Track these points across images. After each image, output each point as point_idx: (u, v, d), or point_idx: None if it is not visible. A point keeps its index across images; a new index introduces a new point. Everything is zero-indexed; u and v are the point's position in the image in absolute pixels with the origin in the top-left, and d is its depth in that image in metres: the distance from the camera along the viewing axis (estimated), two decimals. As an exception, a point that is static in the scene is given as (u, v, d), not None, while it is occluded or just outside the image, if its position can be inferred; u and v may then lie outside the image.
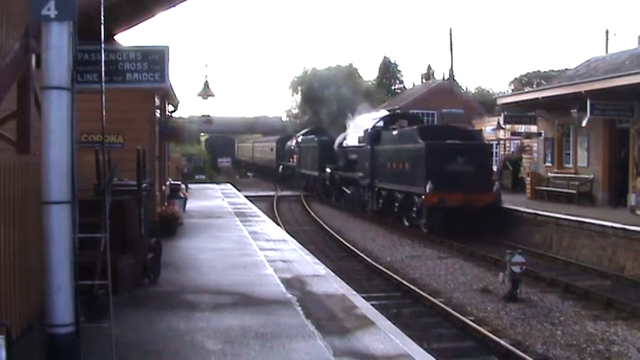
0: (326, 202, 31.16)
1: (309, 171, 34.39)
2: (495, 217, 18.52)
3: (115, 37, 9.38)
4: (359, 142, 26.17)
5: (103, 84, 5.86)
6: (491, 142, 26.26)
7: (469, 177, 18.44)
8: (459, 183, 18.15)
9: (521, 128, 25.27)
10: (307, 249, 13.15)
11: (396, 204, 21.34)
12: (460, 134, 21.04)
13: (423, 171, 18.84)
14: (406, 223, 20.87)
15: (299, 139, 37.99)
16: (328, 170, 29.69)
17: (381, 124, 25.47)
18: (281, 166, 44.46)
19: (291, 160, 41.12)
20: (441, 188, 18.05)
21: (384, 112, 30.10)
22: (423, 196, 18.56)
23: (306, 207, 28.88)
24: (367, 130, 25.04)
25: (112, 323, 5.35)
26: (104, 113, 5.43)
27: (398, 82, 62.30)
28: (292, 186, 39.58)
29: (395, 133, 22.82)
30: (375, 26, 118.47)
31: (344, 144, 28.95)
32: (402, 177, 20.83)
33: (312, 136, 35.42)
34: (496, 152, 28.53)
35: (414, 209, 19.73)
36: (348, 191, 27.33)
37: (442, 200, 17.92)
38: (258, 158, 58.22)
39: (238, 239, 13.86)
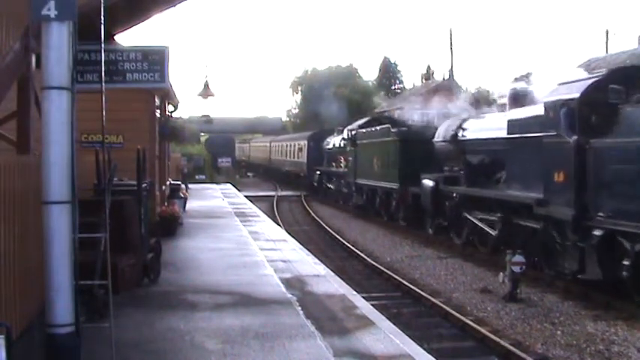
0: (326, 201, 30.83)
1: (375, 182, 22.46)
2: None
3: (115, 37, 9.38)
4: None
5: (103, 84, 5.85)
6: None
7: None
8: None
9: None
10: (307, 249, 13.16)
11: None
12: None
13: None
14: None
15: (353, 133, 25.64)
16: (428, 183, 17.41)
17: None
18: (317, 174, 33.39)
19: (334, 164, 30.45)
20: None
21: None
22: None
23: (306, 207, 28.87)
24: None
25: (112, 323, 5.35)
26: (104, 113, 5.42)
27: (398, 82, 62.28)
28: (337, 203, 29.23)
29: None
30: (375, 26, 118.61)
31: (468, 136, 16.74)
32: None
33: (385, 126, 22.59)
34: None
35: None
36: (493, 231, 14.13)
37: None
38: (278, 162, 46.10)
39: (238, 239, 13.86)
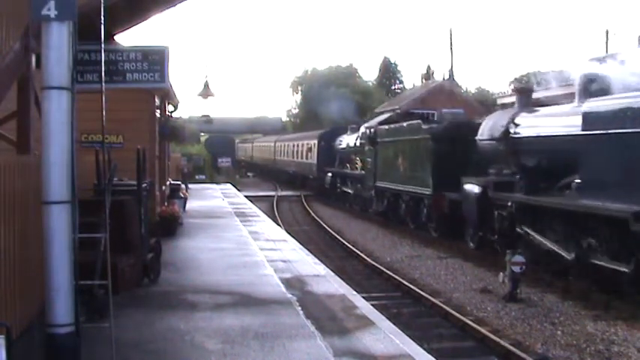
0: (325, 201, 30.71)
1: (400, 186, 19.71)
2: None
3: (115, 37, 9.38)
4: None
5: (103, 84, 5.85)
6: None
7: None
8: None
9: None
10: (307, 249, 13.15)
11: None
12: None
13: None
14: None
15: (372, 131, 22.83)
16: (473, 189, 14.60)
17: None
18: (329, 176, 30.18)
19: (348, 165, 27.80)
20: None
21: None
22: None
23: (306, 207, 28.86)
24: None
25: (112, 323, 5.35)
26: (104, 113, 5.43)
27: (398, 82, 62.31)
28: (351, 208, 26.94)
29: None
30: (375, 26, 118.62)
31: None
32: None
33: (414, 122, 19.49)
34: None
35: None
36: (567, 254, 11.31)
37: None
38: (283, 163, 43.25)
39: (238, 239, 13.86)
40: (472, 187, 14.67)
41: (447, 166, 16.40)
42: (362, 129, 25.34)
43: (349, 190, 27.13)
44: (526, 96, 15.47)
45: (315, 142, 33.62)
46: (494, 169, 14.67)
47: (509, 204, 13.13)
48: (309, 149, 34.66)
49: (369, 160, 23.21)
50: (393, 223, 21.10)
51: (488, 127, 15.63)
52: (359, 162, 25.57)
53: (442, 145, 17.14)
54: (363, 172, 24.49)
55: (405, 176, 19.41)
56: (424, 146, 18.00)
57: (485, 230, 14.61)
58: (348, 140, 28.55)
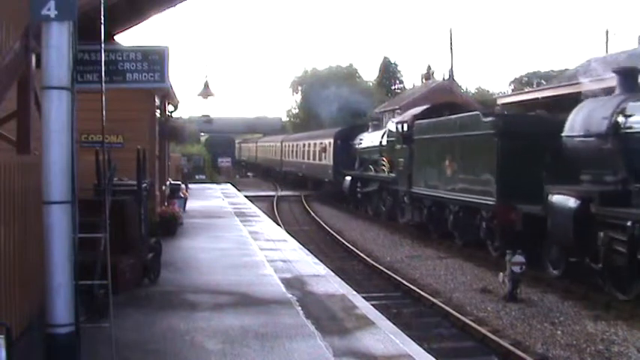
0: (326, 201, 30.67)
1: (448, 193, 16.29)
2: None
3: (115, 37, 9.39)
4: None
5: (103, 84, 5.86)
6: None
7: None
8: None
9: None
10: (307, 249, 13.15)
11: None
12: None
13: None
14: None
15: (407, 126, 19.55)
16: (566, 201, 11.17)
17: None
18: (348, 179, 26.53)
19: (371, 167, 24.22)
20: None
21: None
22: None
23: (306, 207, 28.84)
24: None
25: (112, 323, 5.35)
26: (104, 113, 5.43)
27: (398, 82, 62.32)
28: (375, 216, 23.48)
29: None
30: (375, 26, 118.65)
31: None
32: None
33: (472, 114, 16.33)
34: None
35: None
36: None
37: None
38: (291, 164, 39.99)
39: (238, 239, 13.86)
40: (565, 200, 11.12)
41: (518, 169, 13.05)
42: (389, 125, 22.34)
43: (390, 198, 21.85)
44: (631, 78, 11.83)
45: (331, 141, 30.04)
46: (589, 174, 11.57)
47: (629, 223, 9.72)
48: (324, 149, 31.16)
49: (400, 160, 19.77)
50: (431, 238, 17.74)
51: (580, 120, 11.98)
52: (386, 163, 22.05)
53: (511, 142, 13.58)
54: (391, 174, 21.17)
55: (455, 181, 15.79)
56: (485, 144, 14.36)
57: (582, 256, 11.06)
58: (370, 138, 25.16)
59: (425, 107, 20.56)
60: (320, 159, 32.03)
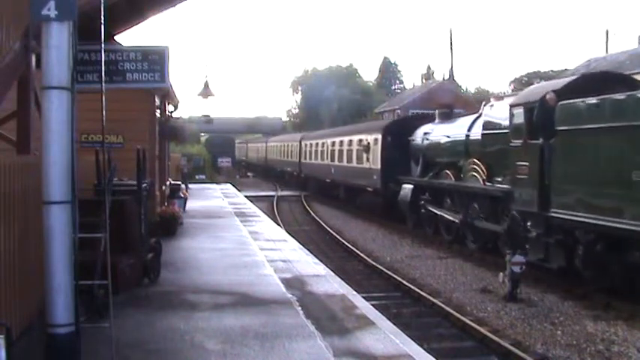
0: (326, 201, 30.66)
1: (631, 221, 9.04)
2: None
3: (115, 37, 9.39)
4: None
5: (103, 84, 5.86)
6: None
7: None
8: None
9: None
10: (307, 249, 13.15)
11: None
12: None
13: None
14: None
15: (533, 110, 11.92)
16: None
17: None
18: (407, 188, 19.46)
19: (449, 173, 17.30)
20: None
21: None
22: None
23: (306, 207, 28.84)
24: None
25: (112, 323, 5.35)
26: (104, 113, 5.43)
27: (398, 82, 62.41)
28: (456, 245, 16.40)
29: None
30: (375, 26, 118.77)
31: None
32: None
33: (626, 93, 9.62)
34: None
35: None
36: None
37: None
38: (315, 168, 32.81)
39: (238, 239, 13.86)
40: None
41: None
42: (492, 110, 15.12)
43: (484, 219, 14.84)
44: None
45: (378, 137, 22.84)
46: None
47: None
48: (366, 148, 23.86)
49: (523, 165, 12.43)
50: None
51: None
52: (480, 167, 15.22)
53: None
54: (498, 186, 14.06)
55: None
56: None
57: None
58: (442, 131, 18.27)
59: (572, 78, 13.11)
60: (359, 161, 24.90)
